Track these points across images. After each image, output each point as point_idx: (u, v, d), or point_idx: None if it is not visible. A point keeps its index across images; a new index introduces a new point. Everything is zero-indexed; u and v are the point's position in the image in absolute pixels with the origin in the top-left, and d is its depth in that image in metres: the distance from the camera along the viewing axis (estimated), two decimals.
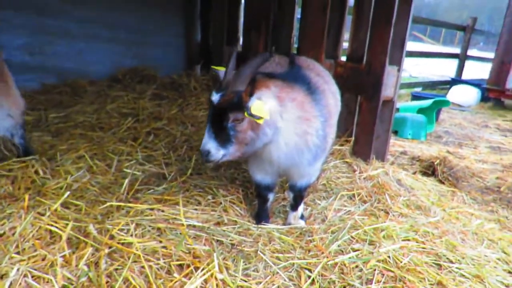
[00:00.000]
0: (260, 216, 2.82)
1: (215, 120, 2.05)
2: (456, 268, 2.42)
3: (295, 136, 2.30)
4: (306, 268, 2.27)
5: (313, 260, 2.32)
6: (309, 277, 2.20)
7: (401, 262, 2.39)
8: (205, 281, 2.03)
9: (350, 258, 2.37)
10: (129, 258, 2.11)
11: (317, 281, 2.18)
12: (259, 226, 2.67)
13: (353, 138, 4.36)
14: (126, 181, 2.99)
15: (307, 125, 2.31)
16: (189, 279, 2.03)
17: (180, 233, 2.38)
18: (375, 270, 2.30)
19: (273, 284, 2.14)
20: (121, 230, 2.35)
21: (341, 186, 3.44)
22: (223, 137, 2.06)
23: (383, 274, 2.27)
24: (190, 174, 3.21)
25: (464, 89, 10.93)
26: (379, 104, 3.90)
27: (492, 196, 4.62)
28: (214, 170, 3.41)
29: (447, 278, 2.29)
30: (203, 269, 2.07)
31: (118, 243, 2.23)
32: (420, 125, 6.76)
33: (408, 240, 2.67)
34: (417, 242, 2.66)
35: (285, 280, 2.17)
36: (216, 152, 2.06)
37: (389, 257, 2.42)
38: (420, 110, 7.06)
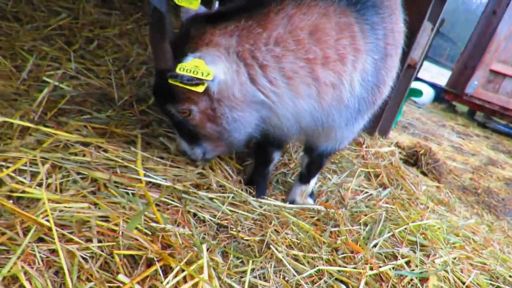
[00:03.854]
0: (257, 185, 1.84)
1: (168, 117, 1.52)
2: None
3: (308, 99, 1.39)
4: (341, 281, 1.37)
5: (350, 269, 1.42)
6: None
7: (463, 283, 1.60)
8: None
9: (397, 268, 1.52)
10: (26, 233, 1.02)
11: None
12: (260, 200, 1.69)
13: None
14: (45, 92, 1.77)
15: (336, 72, 1.38)
16: None
17: (135, 195, 1.32)
18: None
19: None
20: (20, 173, 1.22)
21: (349, 160, 2.58)
22: (188, 135, 1.53)
23: None
24: (153, 104, 2.07)
25: (422, 87, 10.93)
26: (404, 66, 3.06)
27: (474, 198, 4.21)
28: None
29: None
30: (178, 273, 1.06)
31: (7, 197, 1.11)
32: None
33: (455, 247, 1.91)
34: (465, 251, 1.91)
35: None
36: (193, 152, 1.56)
37: (446, 271, 1.62)
38: None
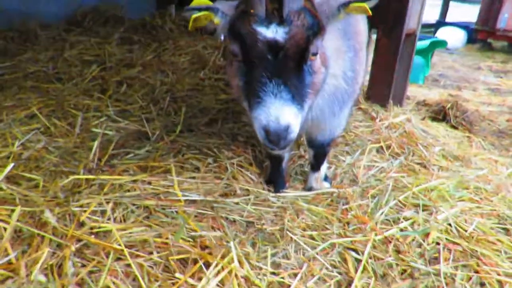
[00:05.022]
0: (276, 181, 2.19)
1: (286, 69, 1.36)
2: None
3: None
4: (351, 249, 1.69)
5: (359, 238, 1.74)
6: (358, 261, 1.63)
7: (465, 231, 1.85)
8: (221, 282, 1.42)
9: (403, 230, 1.81)
10: (107, 256, 1.46)
11: (370, 266, 1.61)
12: (279, 194, 2.05)
13: (366, 80, 3.70)
14: (96, 143, 2.25)
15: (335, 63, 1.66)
16: (199, 280, 1.41)
17: (177, 213, 1.73)
18: (438, 244, 1.75)
19: (313, 275, 1.56)
20: (93, 213, 1.67)
21: (363, 137, 2.83)
22: (300, 91, 1.41)
23: (450, 250, 1.73)
24: (180, 131, 2.49)
25: (451, 31, 10.49)
26: (402, 38, 3.21)
27: (510, 140, 4.20)
28: (208, 125, 2.70)
29: None
30: (216, 265, 1.45)
31: (90, 233, 1.56)
32: (418, 68, 6.23)
33: (463, 200, 2.13)
34: (472, 202, 2.13)
35: (327, 269, 1.59)
36: (297, 121, 1.38)
37: (450, 225, 1.87)
38: (417, 52, 6.57)
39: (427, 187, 2.13)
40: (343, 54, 1.74)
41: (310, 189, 2.26)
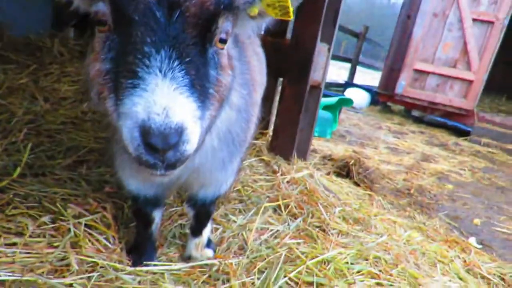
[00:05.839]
0: (142, 249, 1.68)
1: (183, 38, 0.90)
2: None
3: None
4: None
5: None
6: None
7: None
8: None
9: None
10: None
11: None
12: (138, 269, 1.53)
13: (270, 131, 3.48)
14: None
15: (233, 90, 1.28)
16: None
17: None
18: None
19: None
20: None
21: (261, 193, 2.50)
22: (202, 84, 0.96)
23: None
24: (22, 175, 1.86)
25: (357, 92, 11.50)
26: (307, 88, 3.08)
27: (406, 200, 4.34)
28: (69, 168, 2.12)
29: None
30: None
31: None
32: (326, 123, 6.45)
33: (362, 274, 1.86)
34: (372, 277, 1.86)
35: None
36: (195, 126, 0.90)
37: None
38: (325, 108, 6.80)
39: (324, 258, 1.82)
40: (239, 87, 1.38)
41: (189, 257, 1.79)
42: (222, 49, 1.03)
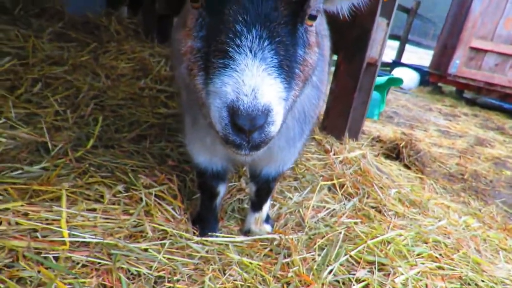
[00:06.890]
0: (206, 221, 1.75)
1: (274, 17, 0.90)
2: None
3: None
4: None
5: None
6: None
7: None
8: None
9: None
10: None
11: None
12: (204, 239, 1.60)
13: (322, 109, 3.43)
14: None
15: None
16: None
17: (57, 260, 1.23)
18: None
19: None
20: None
21: (315, 172, 2.50)
22: (290, 65, 0.95)
23: None
24: (94, 146, 1.99)
25: (406, 72, 10.94)
26: (363, 66, 2.98)
27: (460, 185, 4.13)
28: (133, 141, 2.23)
29: None
30: None
31: None
32: (374, 103, 6.21)
33: (423, 257, 1.82)
34: (433, 260, 1.83)
35: None
36: (280, 109, 0.91)
37: None
38: (374, 87, 6.59)
39: (384, 239, 1.80)
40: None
41: (248, 231, 1.84)
42: (311, 25, 1.01)
